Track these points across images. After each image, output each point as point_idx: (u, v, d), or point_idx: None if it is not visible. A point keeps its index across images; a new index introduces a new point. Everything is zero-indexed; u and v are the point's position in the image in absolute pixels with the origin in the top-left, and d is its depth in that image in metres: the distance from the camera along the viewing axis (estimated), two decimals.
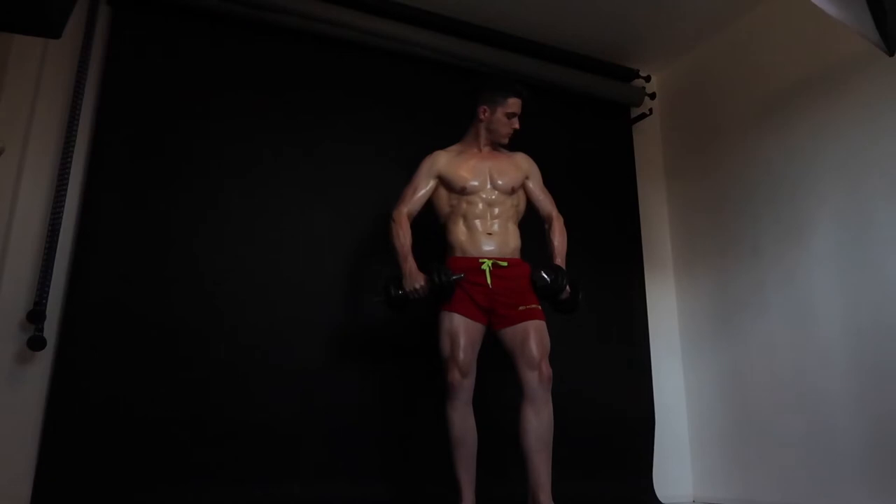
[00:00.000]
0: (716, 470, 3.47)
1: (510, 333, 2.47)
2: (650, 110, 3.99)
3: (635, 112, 4.02)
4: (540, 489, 2.34)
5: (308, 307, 2.99)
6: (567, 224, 2.70)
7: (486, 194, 2.60)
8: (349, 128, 3.28)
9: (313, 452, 2.85)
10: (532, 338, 2.43)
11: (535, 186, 2.72)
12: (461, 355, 2.42)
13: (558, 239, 2.64)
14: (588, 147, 3.82)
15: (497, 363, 2.50)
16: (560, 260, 2.60)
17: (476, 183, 2.60)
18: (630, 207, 3.85)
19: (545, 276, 2.51)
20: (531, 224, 2.72)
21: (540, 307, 2.52)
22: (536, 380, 2.40)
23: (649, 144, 4.07)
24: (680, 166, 3.96)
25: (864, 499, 2.75)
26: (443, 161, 2.65)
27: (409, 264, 2.49)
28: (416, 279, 2.45)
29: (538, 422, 2.37)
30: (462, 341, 2.43)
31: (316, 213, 3.12)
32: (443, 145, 2.71)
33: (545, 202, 2.71)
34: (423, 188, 2.62)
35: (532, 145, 2.81)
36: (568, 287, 2.53)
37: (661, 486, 3.43)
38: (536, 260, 2.61)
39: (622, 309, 3.65)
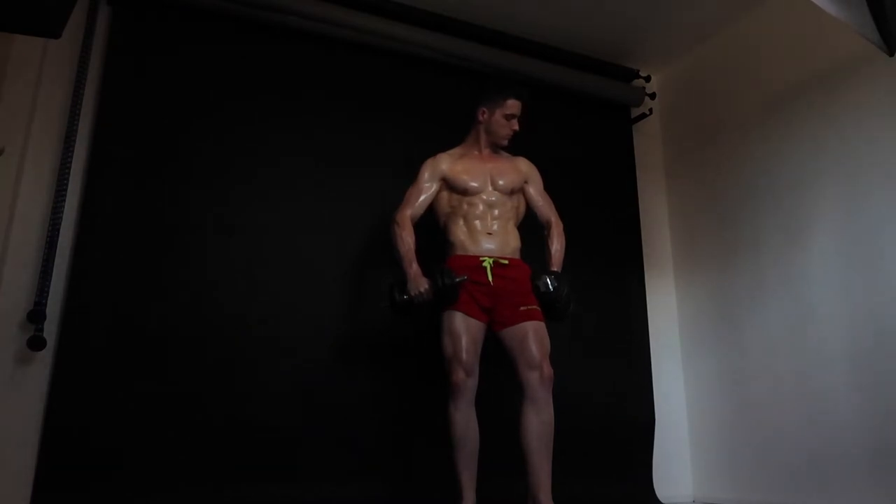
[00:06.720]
0: (716, 470, 3.47)
1: (510, 334, 2.47)
2: (650, 110, 3.98)
3: (635, 112, 4.01)
4: (540, 489, 2.35)
5: (310, 308, 2.98)
6: (567, 225, 2.69)
7: (487, 196, 2.60)
8: (350, 128, 3.27)
9: (314, 453, 2.84)
10: (532, 338, 2.43)
11: (535, 191, 2.71)
12: (464, 355, 2.42)
13: (556, 245, 2.63)
14: (588, 147, 3.82)
15: (498, 363, 2.49)
16: (556, 266, 2.60)
17: (476, 184, 2.60)
18: (630, 207, 3.85)
19: (548, 283, 2.50)
20: (531, 227, 2.72)
21: (539, 308, 2.51)
22: (537, 380, 2.40)
23: (649, 144, 4.06)
24: (680, 166, 3.96)
25: (864, 499, 2.75)
26: (445, 163, 2.65)
27: (414, 268, 2.48)
28: (420, 283, 2.45)
29: (539, 422, 2.38)
30: (464, 341, 2.43)
31: (316, 214, 3.11)
32: (445, 146, 2.71)
33: (545, 207, 2.71)
34: (426, 191, 2.62)
35: (532, 146, 2.80)
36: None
37: (661, 486, 3.43)
38: (536, 263, 2.60)
39: (622, 309, 3.64)
